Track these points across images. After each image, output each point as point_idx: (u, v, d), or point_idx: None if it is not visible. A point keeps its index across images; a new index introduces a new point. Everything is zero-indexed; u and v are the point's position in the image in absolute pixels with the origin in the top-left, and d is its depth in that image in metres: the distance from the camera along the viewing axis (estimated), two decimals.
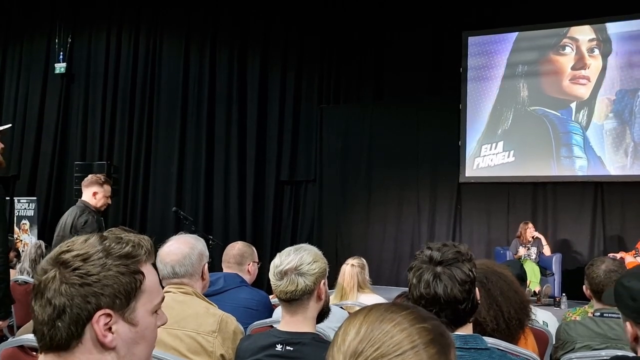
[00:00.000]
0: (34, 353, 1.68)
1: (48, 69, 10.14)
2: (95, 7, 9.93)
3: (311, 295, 1.79)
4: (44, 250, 4.43)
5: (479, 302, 1.52)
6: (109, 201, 4.44)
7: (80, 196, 4.40)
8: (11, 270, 4.53)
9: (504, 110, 8.06)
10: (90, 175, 4.42)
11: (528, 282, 5.78)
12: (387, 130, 8.51)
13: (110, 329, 0.98)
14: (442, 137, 8.25)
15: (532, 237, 7.26)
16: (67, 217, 4.21)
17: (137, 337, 1.01)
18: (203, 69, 9.43)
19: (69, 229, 4.11)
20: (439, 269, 1.46)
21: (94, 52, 9.99)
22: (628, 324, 1.59)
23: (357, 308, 3.06)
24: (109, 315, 0.97)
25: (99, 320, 0.97)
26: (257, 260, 3.07)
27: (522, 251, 7.20)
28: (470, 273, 1.47)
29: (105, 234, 1.04)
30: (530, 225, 7.33)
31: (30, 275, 4.18)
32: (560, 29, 7.80)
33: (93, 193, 4.25)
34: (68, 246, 1.01)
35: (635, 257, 6.57)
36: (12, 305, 3.61)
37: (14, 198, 9.55)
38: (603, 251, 7.30)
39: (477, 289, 1.51)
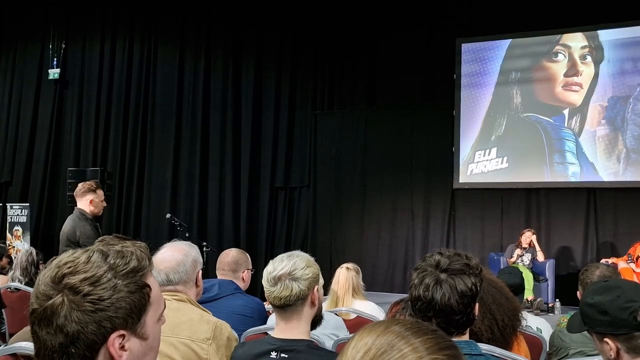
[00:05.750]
0: None
1: (42, 75, 10.10)
2: (89, 13, 9.92)
3: (305, 300, 1.79)
4: (35, 257, 4.38)
5: (476, 317, 1.52)
6: (105, 204, 4.44)
7: (74, 204, 4.37)
8: (3, 276, 4.51)
9: (498, 116, 8.10)
10: (80, 184, 4.37)
11: None
12: (381, 136, 8.53)
13: (123, 347, 0.97)
14: (435, 143, 8.28)
15: (529, 244, 7.25)
16: (65, 228, 4.19)
17: (147, 350, 1.02)
18: (197, 75, 9.43)
19: (65, 240, 4.10)
20: (442, 275, 1.46)
21: (88, 58, 9.97)
22: (607, 341, 1.54)
23: (352, 315, 3.07)
24: (122, 335, 0.97)
25: (114, 342, 0.96)
26: (251, 267, 3.06)
27: (518, 251, 7.20)
28: (474, 287, 1.46)
29: (102, 246, 1.00)
30: (528, 232, 7.31)
31: (23, 283, 4.15)
32: (553, 36, 7.86)
33: (90, 201, 4.23)
34: (70, 267, 0.96)
35: (628, 262, 6.59)
36: (2, 310, 3.59)
37: (7, 204, 9.50)
38: (596, 257, 7.33)
39: (477, 304, 1.50)
